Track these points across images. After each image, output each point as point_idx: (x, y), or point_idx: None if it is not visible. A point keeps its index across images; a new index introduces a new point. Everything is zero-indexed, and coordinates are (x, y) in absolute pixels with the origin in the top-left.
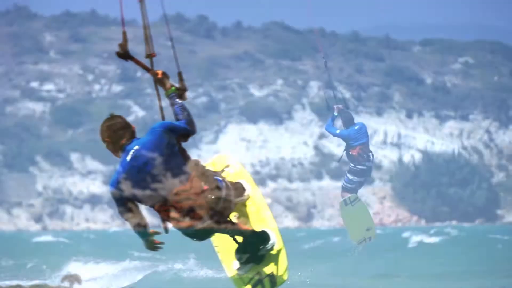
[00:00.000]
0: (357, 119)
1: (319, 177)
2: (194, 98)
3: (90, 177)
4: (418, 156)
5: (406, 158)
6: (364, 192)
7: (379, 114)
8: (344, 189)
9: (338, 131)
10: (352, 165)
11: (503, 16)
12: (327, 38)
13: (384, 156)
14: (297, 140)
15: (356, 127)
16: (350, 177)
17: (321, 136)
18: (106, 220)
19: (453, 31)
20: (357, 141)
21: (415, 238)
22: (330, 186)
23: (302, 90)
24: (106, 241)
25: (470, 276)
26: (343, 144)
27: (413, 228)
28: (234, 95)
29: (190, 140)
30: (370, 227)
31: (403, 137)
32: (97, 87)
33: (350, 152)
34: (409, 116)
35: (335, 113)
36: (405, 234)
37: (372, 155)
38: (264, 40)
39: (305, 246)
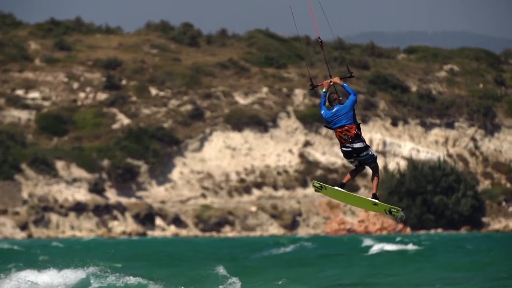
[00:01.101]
0: None
1: (304, 184)
2: (179, 106)
3: (76, 184)
4: (403, 164)
5: (392, 166)
6: None
7: (364, 122)
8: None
9: (322, 112)
10: (339, 146)
11: (487, 24)
12: (312, 46)
13: None
14: (282, 148)
15: (334, 110)
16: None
17: (306, 144)
18: (92, 227)
19: (438, 39)
20: (335, 124)
21: (376, 246)
22: (315, 194)
23: (287, 98)
24: (73, 251)
25: (415, 285)
26: (328, 152)
27: (376, 236)
28: (219, 103)
29: (175, 148)
30: (375, 202)
31: (388, 145)
32: (82, 95)
33: (336, 135)
34: (394, 123)
35: (324, 90)
36: (367, 242)
37: (362, 138)
38: (249, 47)
39: (272, 253)
